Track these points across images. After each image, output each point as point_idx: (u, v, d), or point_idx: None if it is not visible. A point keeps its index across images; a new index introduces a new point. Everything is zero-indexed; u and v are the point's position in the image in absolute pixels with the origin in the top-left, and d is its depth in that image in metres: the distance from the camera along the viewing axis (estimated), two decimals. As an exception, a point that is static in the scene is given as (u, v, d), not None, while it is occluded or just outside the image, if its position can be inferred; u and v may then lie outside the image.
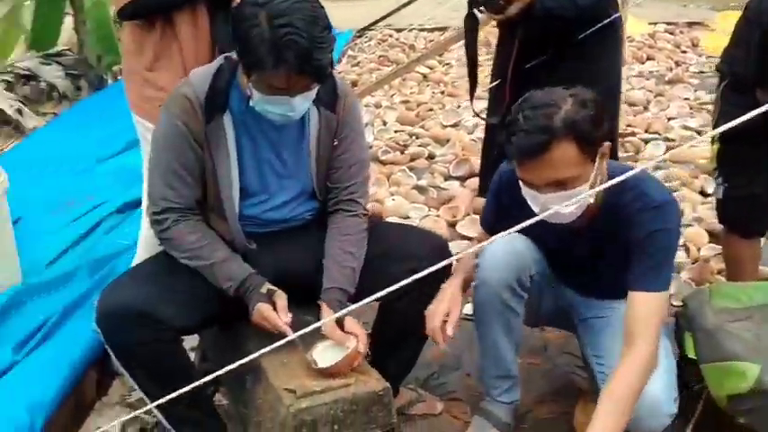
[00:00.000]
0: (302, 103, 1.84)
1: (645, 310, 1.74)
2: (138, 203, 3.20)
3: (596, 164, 1.72)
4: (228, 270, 1.91)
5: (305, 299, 2.11)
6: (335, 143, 2.04)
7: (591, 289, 2.09)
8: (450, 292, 2.03)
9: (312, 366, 1.87)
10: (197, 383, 1.42)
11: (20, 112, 4.20)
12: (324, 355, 1.92)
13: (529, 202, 1.76)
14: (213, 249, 1.92)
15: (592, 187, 1.70)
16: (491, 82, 2.91)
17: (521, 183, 1.76)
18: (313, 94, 1.85)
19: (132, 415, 1.70)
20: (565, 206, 1.67)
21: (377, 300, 2.15)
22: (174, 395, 1.45)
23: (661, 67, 6.25)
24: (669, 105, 5.08)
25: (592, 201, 1.79)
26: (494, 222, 2.10)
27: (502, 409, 2.14)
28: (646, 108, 5.08)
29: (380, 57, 6.79)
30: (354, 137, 2.07)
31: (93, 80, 4.60)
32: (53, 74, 4.45)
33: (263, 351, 1.43)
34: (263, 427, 1.89)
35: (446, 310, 1.97)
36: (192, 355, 2.41)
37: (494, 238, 1.47)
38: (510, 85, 2.64)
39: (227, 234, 1.98)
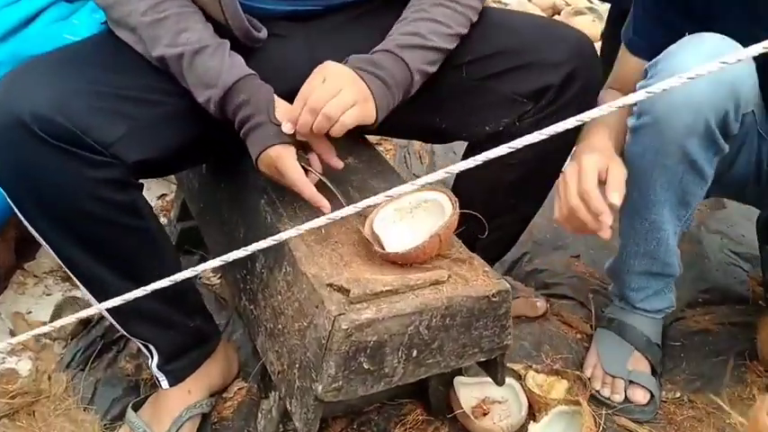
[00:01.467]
0: None
1: None
2: (95, -9, 2.29)
3: None
4: (208, 67, 1.04)
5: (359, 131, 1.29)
6: None
7: None
8: (597, 138, 1.19)
9: (375, 249, 1.07)
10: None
11: None
12: (395, 228, 1.12)
13: None
14: (182, 26, 1.05)
15: None
16: None
17: None
18: None
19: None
20: None
21: (467, 139, 1.34)
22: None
23: None
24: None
25: None
26: (656, 28, 1.24)
27: (645, 323, 1.36)
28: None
29: None
30: None
31: None
32: None
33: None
34: (282, 341, 1.10)
35: (603, 166, 1.11)
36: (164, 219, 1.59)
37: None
38: None
39: (212, 10, 1.10)
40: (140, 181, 1.09)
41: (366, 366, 0.99)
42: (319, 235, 1.12)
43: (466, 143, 1.30)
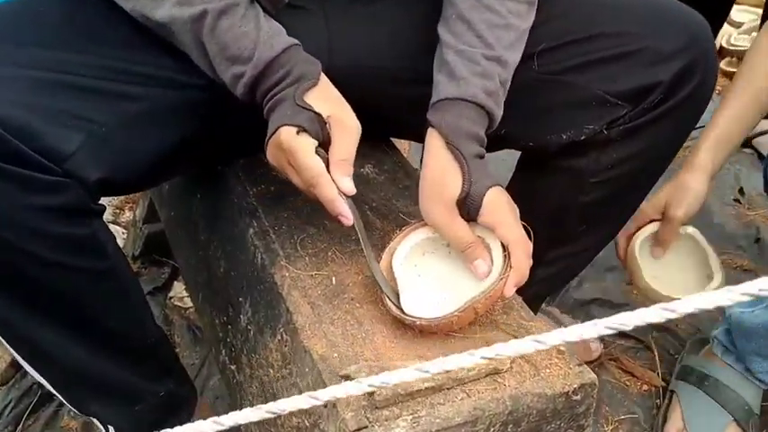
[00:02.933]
0: None
1: None
2: None
3: None
4: (240, 33, 0.75)
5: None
6: None
7: None
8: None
9: (387, 305, 0.76)
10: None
11: None
12: (427, 262, 0.82)
13: None
14: None
15: None
16: None
17: None
18: None
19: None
20: None
21: (533, 148, 1.01)
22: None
23: None
24: None
25: None
26: None
27: (749, 387, 1.08)
28: None
29: None
30: None
31: None
32: None
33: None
34: None
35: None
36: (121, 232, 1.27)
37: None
38: None
39: None
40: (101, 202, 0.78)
41: (393, 494, 0.70)
42: (329, 287, 0.81)
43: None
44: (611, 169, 0.90)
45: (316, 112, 0.74)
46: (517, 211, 0.79)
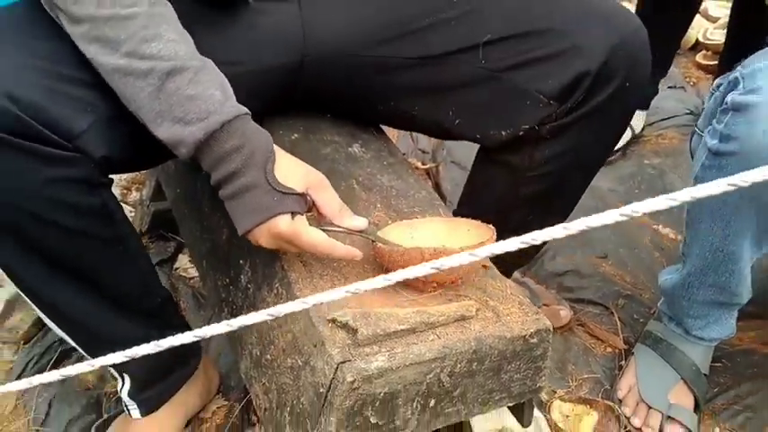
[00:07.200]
0: None
1: None
2: None
3: None
4: (188, 96, 0.75)
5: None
6: None
7: None
8: None
9: (375, 245, 0.87)
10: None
11: None
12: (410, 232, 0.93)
13: None
14: (151, 33, 0.75)
15: None
16: None
17: None
18: None
19: None
20: None
21: (480, 142, 1.06)
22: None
23: None
24: None
25: None
26: None
27: (698, 351, 1.19)
28: None
29: None
30: None
31: None
32: None
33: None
34: (270, 374, 0.92)
35: None
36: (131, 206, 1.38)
37: None
38: None
39: None
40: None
41: (373, 421, 0.81)
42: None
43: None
44: (545, 164, 0.97)
45: (299, 194, 0.77)
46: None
